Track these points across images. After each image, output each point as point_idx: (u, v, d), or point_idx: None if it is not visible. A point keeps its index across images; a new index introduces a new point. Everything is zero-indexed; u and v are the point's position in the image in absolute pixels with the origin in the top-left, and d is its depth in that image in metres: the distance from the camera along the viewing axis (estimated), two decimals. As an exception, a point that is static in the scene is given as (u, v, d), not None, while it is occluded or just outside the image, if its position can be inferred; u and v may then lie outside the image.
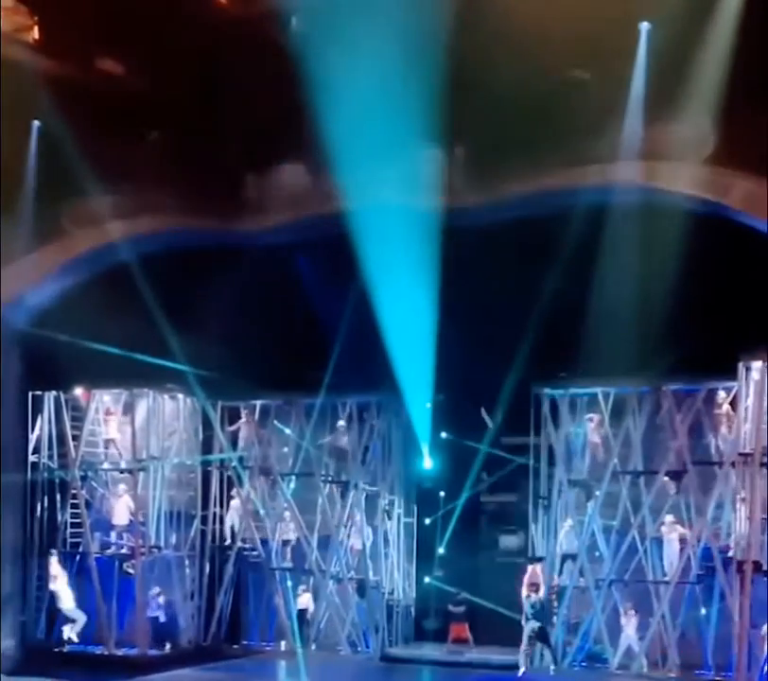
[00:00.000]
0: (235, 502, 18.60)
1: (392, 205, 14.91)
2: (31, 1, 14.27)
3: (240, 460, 18.57)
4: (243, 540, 18.52)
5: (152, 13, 13.63)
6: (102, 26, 14.19)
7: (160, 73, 14.80)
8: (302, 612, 17.99)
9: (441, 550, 18.61)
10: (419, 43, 13.35)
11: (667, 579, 16.00)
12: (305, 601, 18.00)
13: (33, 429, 17.82)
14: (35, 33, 14.41)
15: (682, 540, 16.08)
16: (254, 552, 18.63)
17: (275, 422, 18.52)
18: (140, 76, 15.02)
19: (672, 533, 16.13)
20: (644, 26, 13.49)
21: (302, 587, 18.07)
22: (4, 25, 14.14)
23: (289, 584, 18.33)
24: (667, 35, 13.36)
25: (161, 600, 17.69)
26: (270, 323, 17.56)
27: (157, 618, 17.61)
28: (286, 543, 18.48)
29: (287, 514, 18.38)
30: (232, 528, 18.63)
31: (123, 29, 14.12)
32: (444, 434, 18.70)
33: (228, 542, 18.61)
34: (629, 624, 16.19)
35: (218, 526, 18.75)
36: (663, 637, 15.95)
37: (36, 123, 15.38)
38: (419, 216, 15.00)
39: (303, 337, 17.83)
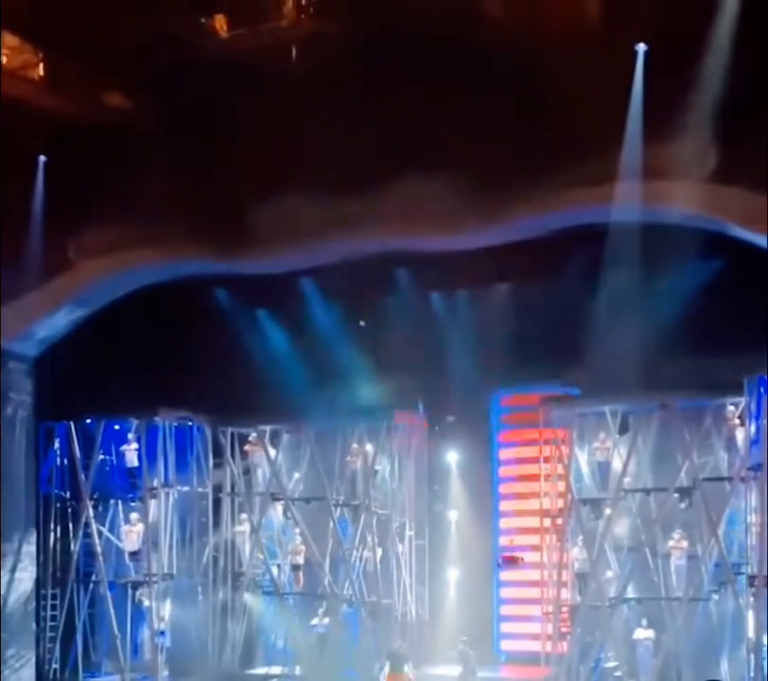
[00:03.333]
0: (245, 528, 18.67)
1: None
2: (37, 39, 14.42)
3: (252, 485, 18.66)
4: (255, 566, 18.57)
5: (156, 49, 13.80)
6: (107, 62, 14.35)
7: (163, 105, 14.98)
8: (319, 636, 18.02)
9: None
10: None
11: (679, 595, 16.03)
12: (322, 624, 18.03)
13: (45, 460, 17.94)
14: (40, 70, 14.60)
15: (692, 556, 16.14)
16: (267, 577, 18.69)
17: (285, 447, 18.64)
18: (144, 109, 15.20)
19: (678, 550, 16.18)
20: (641, 46, 13.63)
21: (320, 610, 18.08)
22: (11, 62, 14.33)
23: (302, 608, 18.41)
24: (665, 55, 13.51)
25: (174, 628, 17.75)
26: (276, 349, 17.73)
27: (170, 645, 17.65)
28: (297, 567, 18.53)
29: (298, 538, 18.43)
30: (243, 553, 18.67)
31: (127, 65, 14.28)
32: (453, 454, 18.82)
33: (241, 568, 18.65)
34: (642, 642, 16.23)
35: (229, 552, 18.81)
36: (677, 654, 15.98)
37: (42, 158, 15.55)
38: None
39: (311, 361, 17.97)
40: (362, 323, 18.30)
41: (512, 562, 17.87)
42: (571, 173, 14.22)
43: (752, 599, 15.03)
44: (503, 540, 18.35)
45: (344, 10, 13.37)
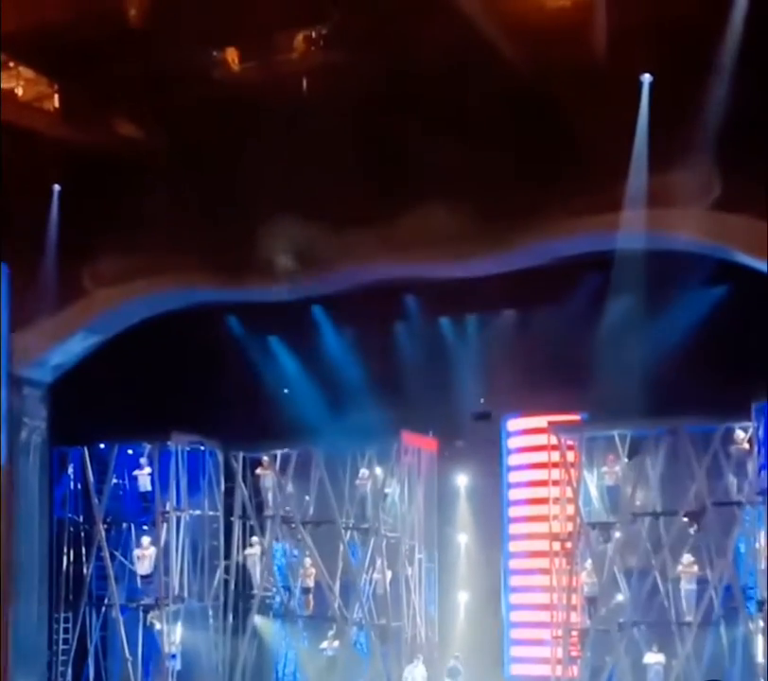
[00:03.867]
0: (256, 551, 18.78)
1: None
2: (51, 71, 14.71)
3: (263, 509, 18.80)
4: (265, 588, 18.67)
5: (168, 81, 14.05)
6: (120, 94, 14.63)
7: (175, 136, 15.21)
8: (328, 659, 18.08)
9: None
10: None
11: (689, 620, 16.06)
12: (331, 647, 18.10)
13: (59, 485, 18.11)
14: (55, 102, 14.88)
15: (702, 580, 16.16)
16: (277, 600, 18.78)
17: (296, 471, 18.75)
18: (156, 140, 15.44)
19: (688, 574, 16.19)
20: (646, 77, 13.82)
21: (330, 633, 18.15)
22: (26, 94, 14.63)
23: (312, 631, 18.48)
24: (669, 84, 13.69)
25: (185, 651, 17.83)
26: (287, 375, 17.90)
27: (181, 668, 17.73)
28: (307, 590, 18.59)
29: (308, 561, 18.52)
30: (253, 576, 18.76)
31: (140, 97, 14.55)
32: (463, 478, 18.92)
33: (252, 591, 18.73)
34: (652, 666, 16.23)
35: (241, 575, 18.90)
36: (687, 679, 15.95)
37: (56, 187, 15.81)
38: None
39: (322, 386, 18.13)
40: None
41: (486, 416, 17.89)
42: (577, 201, 14.41)
43: (762, 623, 15.07)
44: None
45: (355, 43, 13.59)
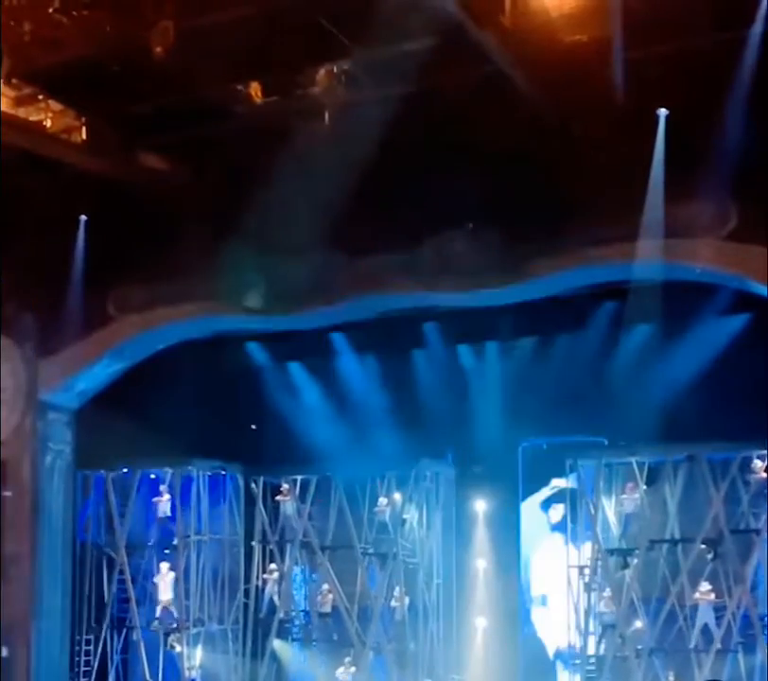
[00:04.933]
0: (275, 575, 18.89)
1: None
2: (79, 104, 15.03)
3: (282, 533, 18.93)
4: (284, 613, 18.78)
5: (193, 114, 14.33)
6: (146, 127, 14.90)
7: (200, 168, 15.52)
8: (345, 685, 18.14)
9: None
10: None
11: (706, 647, 16.04)
12: (349, 672, 18.15)
13: (82, 509, 18.32)
14: (83, 134, 15.19)
15: (720, 607, 16.16)
16: (296, 624, 18.88)
17: (315, 496, 18.88)
18: (181, 171, 15.73)
19: (705, 601, 16.20)
20: (662, 111, 14.00)
21: (348, 659, 18.22)
22: (54, 126, 14.93)
23: (330, 656, 18.55)
24: (685, 117, 13.87)
25: (204, 674, 17.94)
26: (308, 401, 18.08)
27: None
28: (324, 615, 18.70)
29: (325, 586, 18.63)
30: (272, 601, 18.90)
31: (166, 129, 14.82)
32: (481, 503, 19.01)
33: (271, 616, 18.84)
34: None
35: (260, 599, 19.00)
36: (706, 707, 15.96)
37: (83, 217, 16.14)
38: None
39: (342, 413, 18.32)
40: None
41: None
42: (594, 232, 14.59)
43: (781, 650, 15.10)
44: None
45: (377, 79, 13.84)
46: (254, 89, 14.55)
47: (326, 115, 14.35)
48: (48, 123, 15.24)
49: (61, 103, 15.11)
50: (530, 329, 17.15)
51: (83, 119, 15.29)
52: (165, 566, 18.13)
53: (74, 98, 15.01)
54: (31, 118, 14.97)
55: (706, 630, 16.18)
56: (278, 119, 14.48)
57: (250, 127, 14.59)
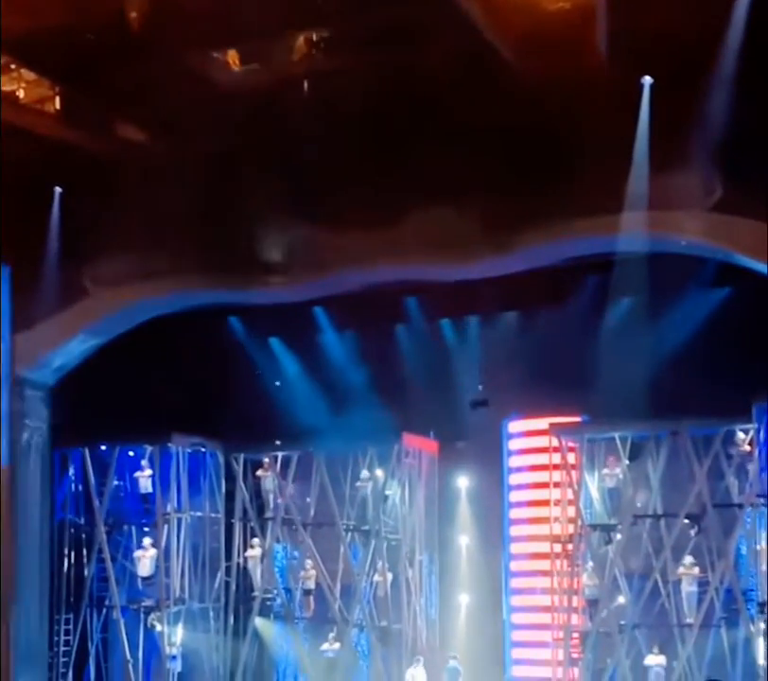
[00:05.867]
0: (257, 552, 18.78)
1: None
2: (53, 73, 14.70)
3: (264, 511, 18.81)
4: (266, 590, 18.69)
5: (169, 82, 14.04)
6: (121, 96, 14.61)
7: (176, 138, 15.22)
8: (329, 661, 18.08)
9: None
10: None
11: (690, 622, 16.05)
12: (332, 649, 18.11)
13: (60, 486, 18.11)
14: (56, 104, 14.88)
15: (703, 582, 16.16)
16: (278, 602, 18.79)
17: (296, 472, 18.76)
18: (158, 141, 15.46)
19: (689, 576, 16.20)
20: (647, 79, 13.82)
21: (331, 635, 18.16)
22: (27, 96, 14.63)
23: (313, 633, 18.50)
24: (670, 86, 13.70)
25: (185, 652, 17.84)
26: (288, 377, 17.93)
27: (182, 670, 17.73)
28: (308, 592, 18.59)
29: (308, 563, 18.54)
30: (254, 578, 18.77)
31: (141, 98, 14.53)
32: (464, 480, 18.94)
33: (253, 593, 18.73)
34: (653, 668, 16.23)
35: (241, 577, 18.91)
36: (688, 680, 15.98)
37: (58, 189, 15.82)
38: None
39: (323, 388, 18.16)
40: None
41: (483, 404, 17.88)
42: (578, 204, 14.44)
43: (763, 625, 15.09)
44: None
45: (357, 47, 13.60)
46: (232, 57, 14.31)
47: (306, 84, 14.11)
48: (21, 93, 14.97)
49: (35, 72, 14.82)
50: (512, 303, 17.03)
51: (57, 89, 15.00)
52: (147, 541, 17.95)
53: (47, 68, 14.72)
54: (4, 88, 14.67)
55: (689, 605, 16.18)
56: (255, 88, 14.21)
57: (226, 96, 14.33)
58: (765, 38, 12.99)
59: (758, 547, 15.55)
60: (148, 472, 18.07)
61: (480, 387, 18.04)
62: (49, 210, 15.92)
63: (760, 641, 15.15)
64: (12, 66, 14.71)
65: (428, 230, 15.00)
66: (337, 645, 18.00)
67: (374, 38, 13.46)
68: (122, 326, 17.25)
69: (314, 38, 13.79)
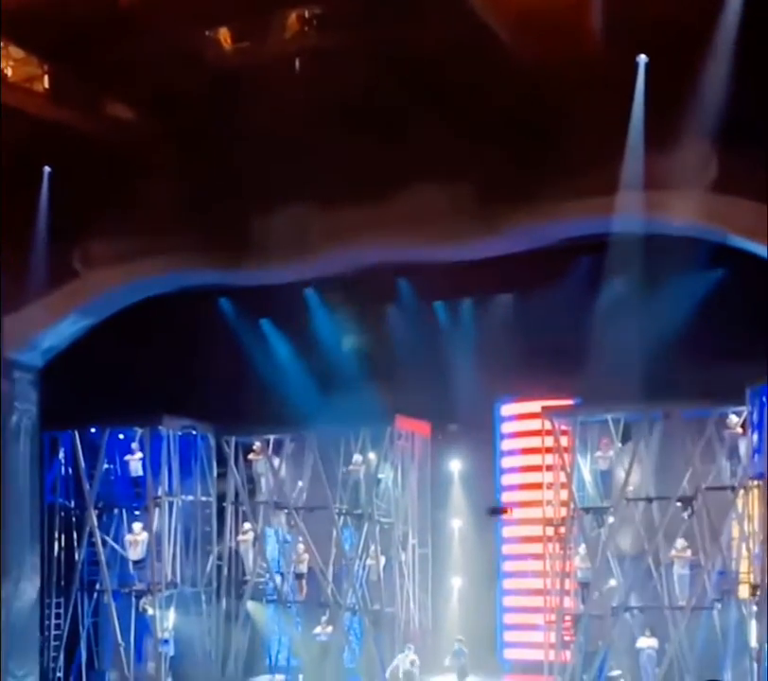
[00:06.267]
0: (249, 536, 18.71)
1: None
2: (41, 51, 14.50)
3: (256, 494, 18.71)
4: (258, 574, 18.63)
5: (160, 61, 13.86)
6: (111, 74, 14.42)
7: (168, 117, 15.04)
8: (321, 644, 18.06)
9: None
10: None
11: (682, 604, 16.05)
12: (325, 633, 18.07)
13: (50, 469, 18.00)
14: (45, 82, 14.68)
15: (695, 565, 16.15)
16: (270, 586, 18.74)
17: (289, 456, 18.69)
18: (148, 121, 15.27)
19: (681, 559, 16.20)
20: (642, 58, 13.70)
21: (323, 619, 18.13)
22: (15, 74, 14.42)
23: (306, 617, 18.45)
24: (665, 65, 13.58)
25: (178, 636, 17.79)
26: (280, 359, 17.83)
27: (174, 654, 17.68)
28: (300, 576, 18.56)
29: (301, 546, 18.48)
30: (246, 562, 18.71)
31: (132, 77, 14.35)
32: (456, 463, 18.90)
33: (245, 577, 18.69)
34: (645, 650, 16.24)
35: (233, 561, 18.85)
36: (680, 663, 15.99)
37: (47, 168, 15.65)
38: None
39: (314, 370, 18.06)
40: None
41: (500, 512, 17.82)
42: (573, 184, 14.28)
43: (755, 608, 15.07)
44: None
45: (349, 25, 13.43)
46: (223, 35, 14.13)
47: (297, 62, 13.94)
48: (9, 71, 14.76)
49: (23, 50, 14.60)
50: (506, 285, 16.94)
51: (46, 67, 14.79)
52: (138, 525, 17.88)
53: (36, 45, 14.51)
54: (-7, 66, 14.49)
55: (681, 587, 16.17)
56: (247, 66, 14.04)
57: (218, 74, 14.15)
58: (762, 16, 12.87)
59: (750, 529, 15.53)
60: (139, 455, 17.99)
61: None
62: (38, 190, 15.73)
63: (752, 624, 15.15)
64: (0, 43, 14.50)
65: (419, 209, 14.84)
66: (329, 629, 18.02)
67: (367, 16, 13.29)
68: (112, 308, 17.08)
69: (306, 15, 13.61)
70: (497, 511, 17.58)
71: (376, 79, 13.59)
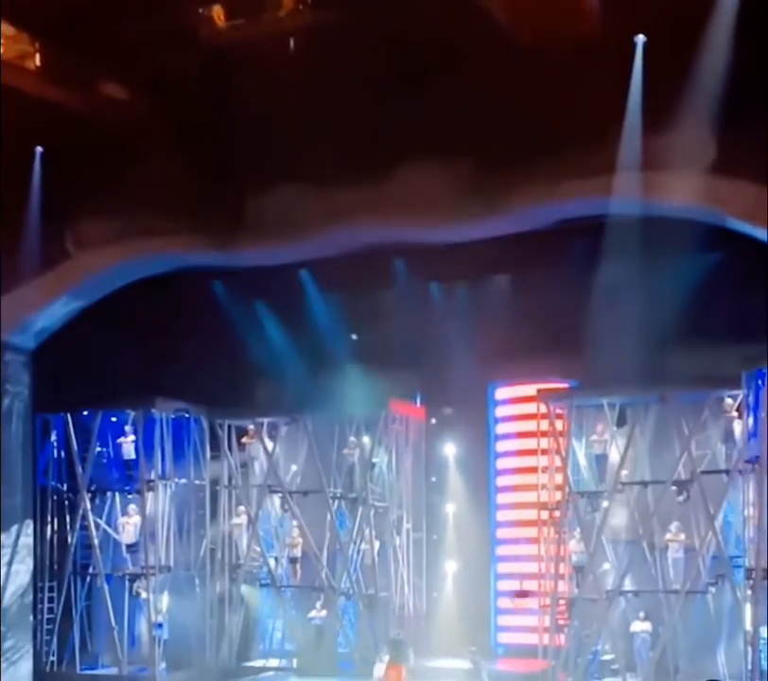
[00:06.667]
0: (242, 520, 18.66)
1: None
2: (33, 29, 14.34)
3: (249, 478, 18.65)
4: (252, 558, 18.58)
5: (154, 39, 13.73)
6: (104, 53, 14.28)
7: (161, 96, 14.91)
8: (316, 628, 18.03)
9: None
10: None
11: (676, 588, 16.04)
12: (319, 617, 18.03)
13: (42, 452, 17.92)
14: (37, 60, 14.52)
15: (690, 549, 16.13)
16: (264, 570, 18.70)
17: (282, 439, 18.62)
18: (141, 100, 15.13)
19: (675, 542, 16.19)
20: (640, 37, 13.58)
21: (317, 603, 18.09)
22: (7, 52, 14.24)
23: (300, 601, 18.41)
24: (664, 45, 13.45)
25: (171, 620, 17.75)
26: (274, 341, 17.72)
27: (168, 637, 17.65)
28: (294, 560, 18.50)
29: (295, 531, 18.43)
30: (240, 546, 18.66)
31: (125, 55, 14.21)
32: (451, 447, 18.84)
33: (239, 561, 18.65)
34: (639, 634, 16.23)
35: (227, 544, 18.79)
36: (674, 647, 15.98)
37: (39, 148, 15.49)
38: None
39: (309, 353, 17.96)
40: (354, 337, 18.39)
41: (523, 595, 17.87)
42: (570, 164, 14.20)
43: (749, 591, 15.05)
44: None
45: (343, 1, 13.29)
46: (217, 12, 13.98)
47: (291, 42, 13.80)
48: (1, 49, 14.56)
49: (14, 27, 14.43)
50: (502, 267, 16.82)
51: (38, 45, 14.62)
52: (131, 508, 17.83)
53: (27, 22, 14.35)
54: (-18, 44, 14.31)
55: (675, 571, 16.15)
56: (241, 45, 13.90)
57: (212, 53, 14.02)
58: (762, -5, 12.76)
59: (744, 513, 15.50)
60: (132, 438, 17.90)
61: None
62: (30, 170, 15.59)
63: (746, 607, 15.13)
64: (-9, 21, 14.33)
65: (414, 190, 14.75)
66: (324, 613, 18.00)
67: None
68: (105, 289, 16.99)
69: (300, -8, 13.48)
70: (523, 594, 17.63)
71: (372, 58, 13.46)
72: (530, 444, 17.48)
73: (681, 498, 16.27)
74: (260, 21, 13.80)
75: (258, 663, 18.66)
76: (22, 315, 16.47)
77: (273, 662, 18.47)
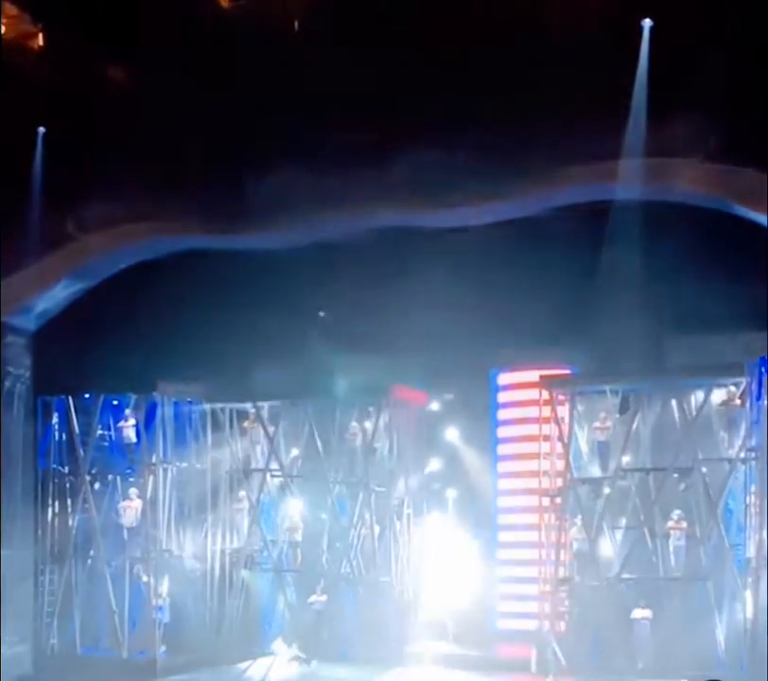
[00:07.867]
0: (244, 505, 18.68)
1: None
2: (35, 9, 14.29)
3: (250, 462, 18.65)
4: (253, 543, 18.60)
5: (156, 19, 13.67)
6: (106, 33, 14.23)
7: (163, 77, 14.83)
8: (316, 613, 18.07)
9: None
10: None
11: (677, 575, 16.02)
12: (319, 601, 18.06)
13: (43, 435, 17.92)
14: (40, 40, 14.48)
15: (691, 537, 16.11)
16: (265, 554, 18.72)
17: (284, 424, 18.61)
18: (144, 81, 15.07)
19: (677, 530, 16.17)
20: (646, 22, 13.48)
21: (318, 587, 18.11)
22: (9, 32, 14.20)
23: (300, 585, 18.44)
24: (670, 31, 13.36)
25: (172, 603, 17.78)
26: (273, 327, 17.65)
27: (168, 621, 17.69)
28: (295, 544, 18.52)
29: (296, 515, 18.43)
30: (241, 530, 18.68)
31: (127, 36, 14.15)
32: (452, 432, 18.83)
33: (238, 545, 18.68)
34: (639, 621, 16.24)
35: (228, 529, 18.81)
36: (674, 635, 15.97)
37: (41, 129, 15.44)
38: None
39: (308, 340, 17.95)
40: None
41: None
42: (574, 150, 14.15)
43: (750, 579, 15.06)
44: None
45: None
46: (220, -8, 13.95)
47: (295, 20, 13.74)
48: (2, 29, 14.54)
49: (17, 7, 14.39)
50: (504, 252, 16.72)
51: (40, 25, 14.57)
52: (133, 491, 17.84)
53: (30, 3, 14.31)
54: (-16, 24, 14.29)
55: (676, 558, 16.13)
56: (244, 24, 13.83)
57: (215, 32, 13.95)
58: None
59: (746, 501, 15.48)
60: (132, 422, 17.91)
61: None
62: (32, 152, 15.53)
63: (746, 595, 15.13)
64: (-6, 2, 14.30)
65: (417, 175, 14.69)
66: (324, 597, 18.01)
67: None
68: (106, 272, 16.99)
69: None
70: None
71: (374, 42, 13.41)
72: (531, 430, 17.41)
73: (683, 486, 16.26)
74: (262, 1, 13.75)
75: (258, 647, 18.73)
76: (23, 297, 16.45)
77: (273, 646, 18.53)
